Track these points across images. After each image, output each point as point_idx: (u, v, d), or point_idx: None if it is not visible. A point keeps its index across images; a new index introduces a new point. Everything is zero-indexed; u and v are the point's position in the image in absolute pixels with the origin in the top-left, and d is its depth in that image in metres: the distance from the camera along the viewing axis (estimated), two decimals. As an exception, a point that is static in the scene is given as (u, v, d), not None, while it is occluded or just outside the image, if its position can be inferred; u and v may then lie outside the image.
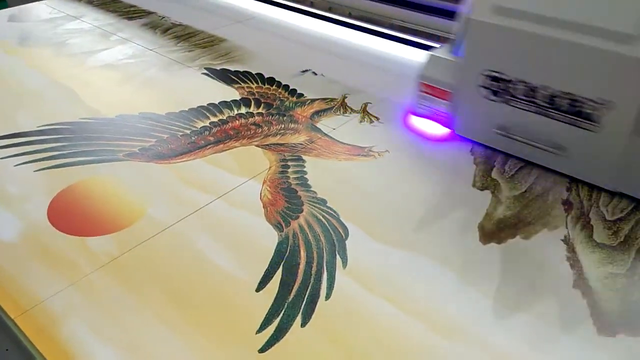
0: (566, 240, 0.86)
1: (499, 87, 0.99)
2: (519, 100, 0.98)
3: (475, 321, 0.72)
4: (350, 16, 1.48)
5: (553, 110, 0.95)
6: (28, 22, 1.72)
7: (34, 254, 0.82)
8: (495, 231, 0.88)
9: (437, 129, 1.13)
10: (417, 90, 1.12)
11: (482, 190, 0.98)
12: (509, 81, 0.98)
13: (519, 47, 0.94)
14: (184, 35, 1.63)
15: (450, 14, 1.31)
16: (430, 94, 1.10)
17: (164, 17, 1.77)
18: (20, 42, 1.57)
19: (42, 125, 1.15)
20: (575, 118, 0.93)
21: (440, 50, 1.12)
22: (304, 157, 1.06)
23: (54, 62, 1.46)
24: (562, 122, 0.94)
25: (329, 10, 1.49)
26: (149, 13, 1.82)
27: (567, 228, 0.89)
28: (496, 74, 0.98)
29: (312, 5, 1.56)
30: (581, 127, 0.93)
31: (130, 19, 1.77)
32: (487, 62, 0.99)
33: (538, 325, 0.72)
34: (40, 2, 1.92)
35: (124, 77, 1.38)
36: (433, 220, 0.90)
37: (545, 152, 0.98)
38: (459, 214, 0.92)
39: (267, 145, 1.10)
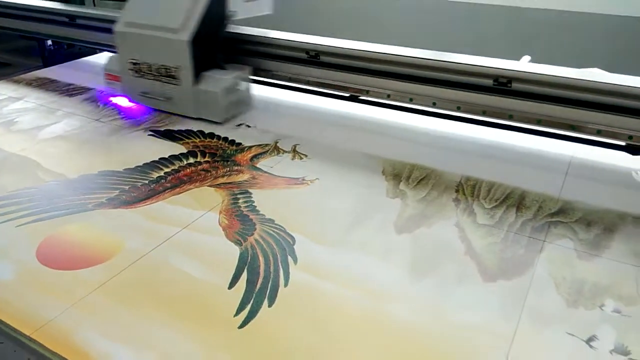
0: (458, 225, 1.14)
1: (136, 68, 1.71)
2: (146, 74, 1.69)
3: (396, 286, 0.96)
4: (273, 77, 1.77)
5: (160, 76, 1.66)
6: (-30, 106, 1.84)
7: (32, 286, 0.96)
8: (406, 225, 1.15)
9: (124, 101, 1.80)
10: (105, 79, 1.83)
11: (393, 198, 1.25)
12: (139, 63, 1.68)
13: (136, 42, 1.67)
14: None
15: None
16: (112, 79, 1.82)
17: (102, 91, 1.96)
18: (-32, 124, 1.69)
19: (12, 191, 1.29)
20: (169, 78, 1.65)
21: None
22: (250, 190, 1.29)
23: (7, 137, 1.59)
24: (165, 82, 1.66)
25: (255, 74, 1.78)
26: (88, 89, 2.00)
27: (457, 217, 1.17)
28: (133, 60, 1.70)
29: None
30: (172, 84, 1.65)
31: (71, 95, 1.95)
32: (128, 54, 1.71)
33: (442, 282, 0.97)
34: (-21, 87, 2.04)
35: (77, 144, 1.55)
36: (359, 224, 1.15)
37: (164, 102, 1.68)
38: (378, 217, 1.18)
39: (218, 184, 1.31)
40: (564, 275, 0.99)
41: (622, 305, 0.92)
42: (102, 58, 2.38)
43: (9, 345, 0.86)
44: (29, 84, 2.08)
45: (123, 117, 1.73)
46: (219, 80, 1.64)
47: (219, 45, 1.71)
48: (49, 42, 2.41)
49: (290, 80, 1.71)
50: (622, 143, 1.31)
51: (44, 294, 0.95)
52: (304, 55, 1.65)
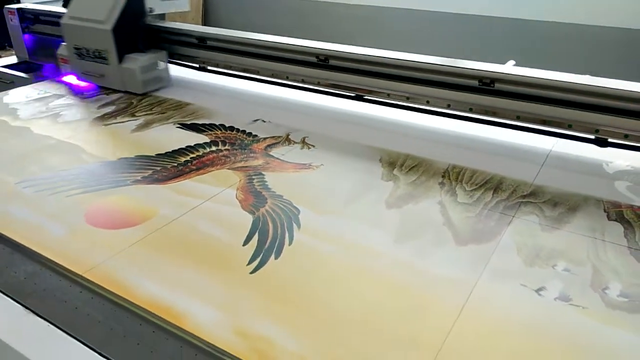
0: (440, 203, 1.33)
1: (78, 52, 2.17)
2: (85, 57, 2.16)
3: (382, 247, 1.15)
4: (287, 79, 1.99)
5: (95, 58, 2.13)
6: (20, 102, 2.09)
7: (82, 241, 1.18)
8: (396, 202, 1.33)
9: (74, 79, 2.25)
10: (59, 61, 2.28)
11: (387, 181, 1.44)
12: (80, 48, 2.15)
13: (76, 32, 2.15)
14: (156, 102, 2.06)
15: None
16: (63, 62, 2.29)
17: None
18: (20, 117, 1.93)
19: (61, 169, 1.51)
20: (102, 59, 2.11)
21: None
22: (263, 172, 1.49)
23: (55, 127, 1.83)
24: (99, 63, 2.14)
25: (272, 76, 2.00)
26: (120, 90, 2.24)
27: (441, 196, 1.36)
28: (76, 46, 2.16)
29: (257, 73, 2.06)
30: (104, 64, 2.11)
31: (107, 94, 2.19)
32: (73, 41, 2.18)
33: (424, 246, 1.16)
34: (26, 86, 2.30)
35: (116, 133, 1.78)
36: (356, 200, 1.35)
37: (99, 78, 2.16)
38: (372, 195, 1.37)
39: (236, 167, 1.52)
40: (526, 242, 1.16)
41: (572, 266, 1.09)
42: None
43: (64, 282, 1.07)
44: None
45: (74, 93, 2.18)
46: (136, 60, 2.11)
47: (139, 34, 2.15)
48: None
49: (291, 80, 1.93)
50: (592, 136, 1.48)
51: (92, 246, 1.16)
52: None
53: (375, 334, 0.92)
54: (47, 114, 1.96)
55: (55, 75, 2.36)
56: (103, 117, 1.93)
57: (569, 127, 1.46)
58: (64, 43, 2.28)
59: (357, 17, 4.72)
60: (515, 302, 0.99)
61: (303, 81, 1.92)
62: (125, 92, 2.12)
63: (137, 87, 2.13)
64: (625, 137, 1.39)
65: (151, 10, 2.16)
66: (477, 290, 1.02)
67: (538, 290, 1.02)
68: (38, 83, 2.33)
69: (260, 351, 0.88)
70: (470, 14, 4.13)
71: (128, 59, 2.11)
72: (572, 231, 1.21)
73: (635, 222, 1.24)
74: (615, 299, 1.00)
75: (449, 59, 1.63)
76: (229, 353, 0.87)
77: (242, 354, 0.87)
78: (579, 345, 0.90)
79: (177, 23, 2.35)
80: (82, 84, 2.25)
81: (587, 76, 1.45)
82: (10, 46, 3.07)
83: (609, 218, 1.26)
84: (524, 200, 1.34)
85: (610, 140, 1.46)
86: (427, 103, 1.67)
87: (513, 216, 1.26)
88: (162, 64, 2.19)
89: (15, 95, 2.17)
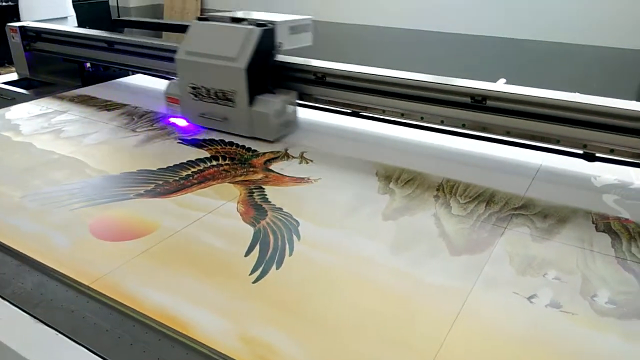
0: (435, 215, 1.37)
1: (195, 92, 1.92)
2: (204, 97, 1.91)
3: (379, 257, 1.19)
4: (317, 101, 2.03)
5: (217, 99, 1.87)
6: (22, 118, 2.13)
7: (87, 252, 1.21)
8: (392, 214, 1.38)
9: (182, 122, 2.02)
10: (166, 102, 2.04)
11: (383, 194, 1.49)
12: (198, 88, 1.90)
13: (196, 69, 1.90)
14: (156, 118, 2.11)
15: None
16: (172, 102, 2.03)
17: (137, 107, 2.25)
18: (22, 133, 1.97)
19: (65, 183, 1.55)
20: (226, 101, 1.86)
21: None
22: (263, 186, 1.53)
23: (58, 142, 1.87)
24: (222, 104, 1.87)
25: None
26: (124, 105, 2.29)
27: (435, 209, 1.40)
28: (193, 85, 1.91)
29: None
30: (229, 106, 1.85)
31: (109, 110, 2.23)
32: (188, 79, 1.93)
33: (418, 255, 1.20)
34: (28, 102, 2.34)
35: (117, 149, 1.82)
36: (353, 212, 1.39)
37: (221, 122, 1.89)
38: (369, 208, 1.41)
39: (236, 181, 1.56)
40: (517, 253, 1.21)
41: (562, 274, 1.13)
42: (134, 79, 2.69)
43: (71, 293, 1.09)
44: (71, 100, 2.37)
45: (181, 135, 1.92)
46: (270, 102, 1.83)
47: (268, 72, 1.88)
48: (88, 64, 2.72)
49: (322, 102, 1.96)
50: (580, 151, 1.53)
51: (97, 258, 1.19)
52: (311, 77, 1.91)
53: (372, 341, 0.95)
54: (50, 129, 2.00)
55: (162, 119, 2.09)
56: (105, 133, 1.96)
57: (558, 142, 1.51)
58: (174, 81, 2.03)
59: (349, 36, 4.82)
60: (508, 309, 1.03)
61: (301, 98, 1.97)
62: (252, 137, 1.88)
63: (269, 133, 1.85)
64: (611, 151, 1.45)
65: (280, 45, 1.90)
66: (471, 299, 1.06)
67: (530, 298, 1.06)
68: (40, 99, 2.37)
69: (264, 357, 0.91)
70: (463, 34, 4.24)
71: (259, 101, 1.84)
72: (562, 242, 1.25)
73: (622, 233, 1.29)
74: (604, 305, 1.04)
75: (443, 77, 1.69)
76: (234, 359, 0.90)
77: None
78: (569, 350, 0.94)
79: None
80: (187, 124, 2.00)
81: (577, 94, 1.51)
82: (10, 63, 3.12)
83: (597, 229, 1.31)
84: (515, 212, 1.38)
85: (597, 155, 1.51)
86: (422, 119, 1.73)
87: (505, 228, 1.31)
88: (291, 107, 1.93)
89: (17, 112, 2.21)
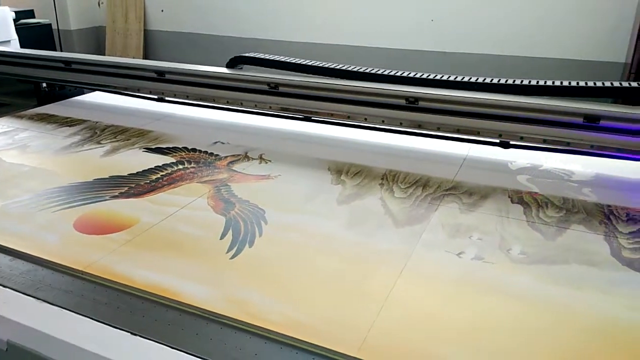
0: (381, 198, 1.61)
1: None
2: None
3: (335, 232, 1.40)
4: (241, 105, 2.23)
5: None
6: (-16, 136, 2.19)
7: (75, 245, 1.34)
8: (344, 200, 1.60)
9: None
10: None
11: (336, 185, 1.71)
12: None
13: None
14: (119, 131, 2.24)
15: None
16: None
17: (97, 122, 2.36)
18: (-12, 149, 2.04)
19: (40, 191, 1.66)
20: None
21: None
22: (228, 184, 1.71)
23: (26, 156, 1.96)
24: None
25: (227, 103, 2.23)
26: (84, 120, 2.40)
27: (381, 194, 1.64)
28: None
29: (214, 101, 2.30)
30: None
31: (70, 125, 2.33)
32: None
33: (369, 229, 1.42)
34: (-14, 122, 2.40)
35: (86, 158, 1.94)
36: (311, 200, 1.60)
37: None
38: (325, 196, 1.63)
39: (204, 181, 1.74)
40: (449, 222, 1.46)
41: (484, 236, 1.39)
42: (91, 97, 2.80)
43: (67, 278, 1.23)
44: (31, 118, 2.45)
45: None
46: None
47: None
48: (44, 84, 2.79)
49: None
50: (497, 140, 1.83)
51: (86, 248, 1.33)
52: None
53: (335, 293, 1.16)
54: (15, 145, 2.08)
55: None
56: (70, 146, 2.08)
57: (479, 134, 1.80)
58: None
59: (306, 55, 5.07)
60: (442, 263, 1.27)
61: (256, 106, 2.17)
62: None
63: None
64: (521, 138, 1.75)
65: None
66: (413, 257, 1.29)
67: (459, 254, 1.30)
68: (-1, 119, 2.43)
69: (249, 312, 1.09)
70: (426, 50, 4.60)
71: None
72: (484, 212, 1.52)
73: (532, 203, 1.57)
74: (517, 256, 1.30)
75: (381, 83, 1.95)
76: (224, 315, 1.08)
77: (236, 315, 1.08)
78: (491, 289, 1.18)
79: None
80: None
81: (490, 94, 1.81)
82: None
83: (512, 202, 1.58)
84: (447, 192, 1.64)
85: (511, 142, 1.81)
86: (365, 120, 1.97)
87: (439, 205, 1.56)
88: None
89: (-21, 130, 2.27)
